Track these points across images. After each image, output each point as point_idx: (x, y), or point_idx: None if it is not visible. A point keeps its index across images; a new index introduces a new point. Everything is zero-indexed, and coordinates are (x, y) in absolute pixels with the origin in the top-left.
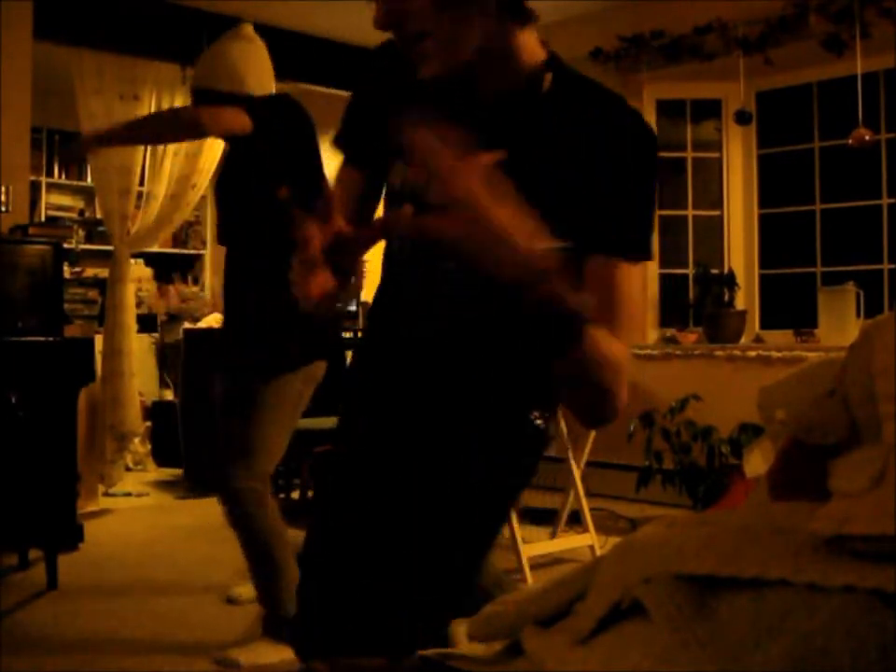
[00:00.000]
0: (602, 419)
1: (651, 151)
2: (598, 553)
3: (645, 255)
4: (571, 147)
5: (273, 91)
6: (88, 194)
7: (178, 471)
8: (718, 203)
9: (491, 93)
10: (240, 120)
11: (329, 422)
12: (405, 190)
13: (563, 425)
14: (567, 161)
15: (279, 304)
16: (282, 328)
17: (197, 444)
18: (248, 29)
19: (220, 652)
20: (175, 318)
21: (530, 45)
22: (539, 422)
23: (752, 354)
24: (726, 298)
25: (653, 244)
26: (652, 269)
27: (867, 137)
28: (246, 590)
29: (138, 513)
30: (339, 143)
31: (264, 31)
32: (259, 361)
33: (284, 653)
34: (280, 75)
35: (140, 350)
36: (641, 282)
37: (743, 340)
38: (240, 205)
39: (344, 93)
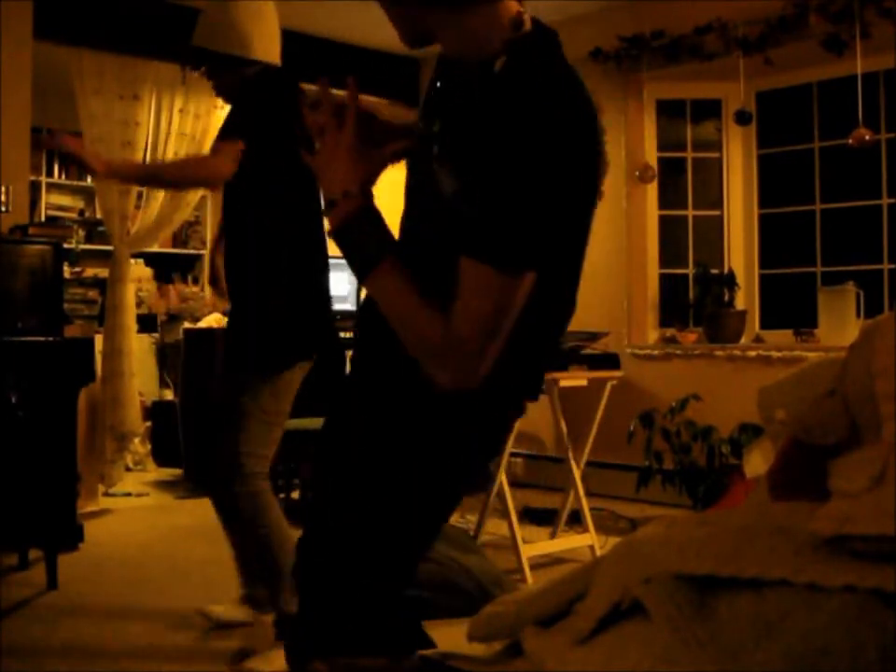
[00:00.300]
0: (433, 377)
1: (542, 147)
2: (598, 552)
3: (509, 263)
4: (480, 135)
5: (278, 60)
6: (88, 194)
7: (178, 471)
8: (718, 203)
9: (455, 71)
10: (236, 155)
11: None
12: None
13: (563, 425)
14: (473, 148)
15: (269, 304)
16: (267, 328)
17: (197, 444)
18: None
19: (239, 666)
20: (174, 318)
21: (488, 27)
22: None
23: (752, 354)
24: (726, 298)
25: (534, 252)
26: (652, 269)
27: (867, 137)
28: (225, 609)
29: (138, 513)
30: None
31: None
32: (242, 363)
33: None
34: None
35: (140, 350)
36: (517, 294)
37: (743, 340)
38: (241, 203)
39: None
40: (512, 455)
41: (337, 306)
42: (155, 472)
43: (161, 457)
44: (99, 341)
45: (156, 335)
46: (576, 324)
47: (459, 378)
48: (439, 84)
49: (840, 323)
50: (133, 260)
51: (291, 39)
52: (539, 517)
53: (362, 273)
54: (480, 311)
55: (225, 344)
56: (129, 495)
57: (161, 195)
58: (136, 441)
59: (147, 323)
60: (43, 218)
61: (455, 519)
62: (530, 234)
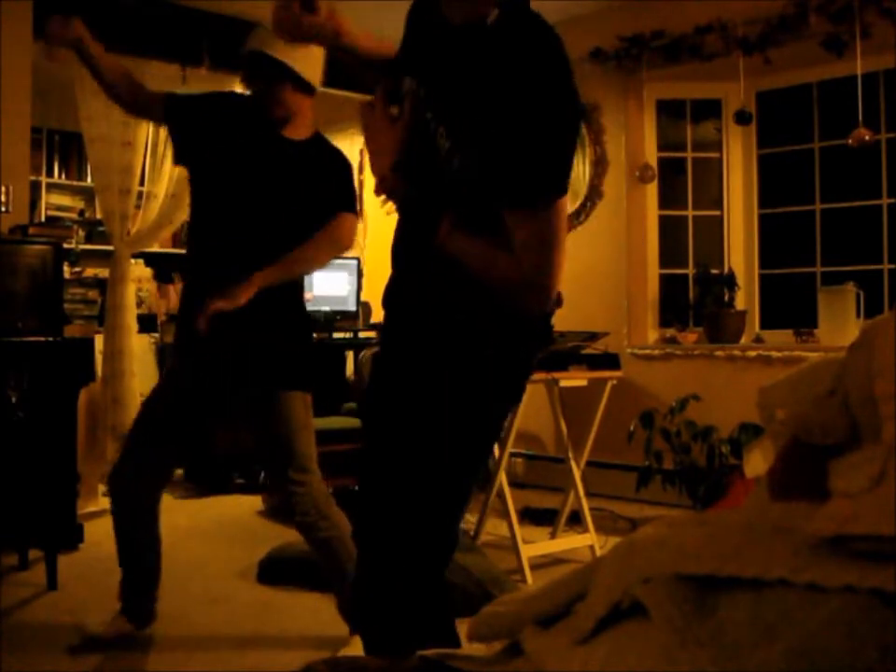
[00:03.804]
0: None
1: (560, 85)
2: (598, 552)
3: (541, 201)
4: (496, 79)
5: (319, 85)
6: (88, 194)
7: (178, 471)
8: (718, 203)
9: (457, 24)
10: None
11: (328, 422)
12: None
13: (563, 425)
14: (492, 90)
15: (306, 322)
16: (310, 343)
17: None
18: None
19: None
20: (174, 318)
21: None
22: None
23: (752, 354)
24: (726, 298)
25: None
26: (652, 269)
27: (867, 137)
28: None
29: None
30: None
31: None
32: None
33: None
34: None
35: (140, 350)
36: None
37: (743, 340)
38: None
39: (345, 94)
40: (512, 455)
41: (337, 307)
42: None
43: None
44: (99, 341)
45: (156, 335)
46: (576, 324)
47: (536, 306)
48: (412, 43)
49: (840, 323)
50: (132, 260)
51: None
52: (539, 517)
53: (431, 237)
54: (537, 252)
55: (273, 367)
56: None
57: (161, 195)
58: None
59: (146, 323)
60: (43, 218)
61: None
62: (559, 168)
